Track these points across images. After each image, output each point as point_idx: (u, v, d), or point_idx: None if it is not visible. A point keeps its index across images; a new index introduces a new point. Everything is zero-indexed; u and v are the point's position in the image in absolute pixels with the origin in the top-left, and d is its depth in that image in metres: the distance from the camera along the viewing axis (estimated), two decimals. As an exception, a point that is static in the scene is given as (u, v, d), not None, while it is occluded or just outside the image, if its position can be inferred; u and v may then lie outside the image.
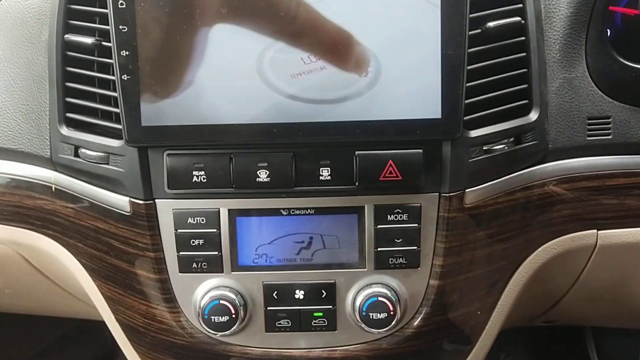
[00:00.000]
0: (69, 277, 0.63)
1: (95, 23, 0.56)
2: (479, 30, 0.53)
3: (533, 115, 0.55)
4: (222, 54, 0.51)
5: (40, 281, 0.70)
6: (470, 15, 0.51)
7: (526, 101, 0.56)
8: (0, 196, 0.60)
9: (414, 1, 0.50)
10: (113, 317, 0.61)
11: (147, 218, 0.55)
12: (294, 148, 0.53)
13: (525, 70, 0.55)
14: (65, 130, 0.57)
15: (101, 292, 0.61)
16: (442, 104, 0.51)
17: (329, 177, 0.53)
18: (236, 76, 0.51)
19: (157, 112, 0.52)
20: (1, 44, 0.60)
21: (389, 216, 0.54)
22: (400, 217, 0.55)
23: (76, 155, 0.57)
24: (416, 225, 0.55)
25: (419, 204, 0.55)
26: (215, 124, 0.51)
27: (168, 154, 0.54)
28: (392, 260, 0.55)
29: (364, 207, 0.55)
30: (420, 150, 0.52)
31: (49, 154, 0.58)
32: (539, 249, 0.60)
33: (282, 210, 0.55)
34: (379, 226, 0.55)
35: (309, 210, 0.55)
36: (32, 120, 0.59)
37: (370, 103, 0.51)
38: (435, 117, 0.51)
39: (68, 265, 0.61)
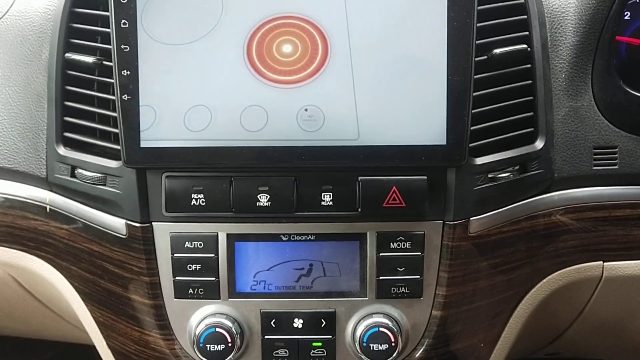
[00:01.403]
0: (61, 300, 0.61)
1: (96, 42, 0.55)
2: (485, 57, 0.53)
3: (539, 144, 0.55)
4: (224, 75, 0.50)
5: (30, 304, 0.68)
6: (477, 42, 0.51)
7: (532, 129, 0.55)
8: (-7, 216, 0.59)
9: (421, 26, 0.50)
10: (105, 342, 0.59)
11: (143, 241, 0.53)
12: (295, 172, 0.52)
13: (531, 98, 0.55)
14: (62, 150, 0.56)
15: (93, 317, 0.59)
16: (448, 130, 0.50)
17: (331, 203, 0.52)
18: (238, 98, 0.50)
19: (156, 132, 0.51)
20: (2, 63, 0.59)
21: (391, 244, 0.53)
22: (403, 245, 0.53)
23: (72, 175, 0.56)
24: (419, 253, 0.53)
25: (423, 232, 0.53)
26: (216, 146, 0.50)
27: (167, 176, 0.52)
28: (394, 290, 0.54)
29: (366, 234, 0.53)
30: (425, 177, 0.51)
31: (44, 173, 0.57)
32: (544, 280, 0.58)
33: (282, 236, 0.54)
34: (381, 254, 0.53)
35: (309, 236, 0.54)
36: (29, 139, 0.57)
37: (374, 128, 0.50)
38: (441, 143, 0.50)
39: (60, 288, 0.59)
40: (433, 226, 0.53)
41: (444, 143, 0.50)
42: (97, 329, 0.59)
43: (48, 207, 0.57)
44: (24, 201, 0.58)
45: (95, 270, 0.56)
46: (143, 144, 0.51)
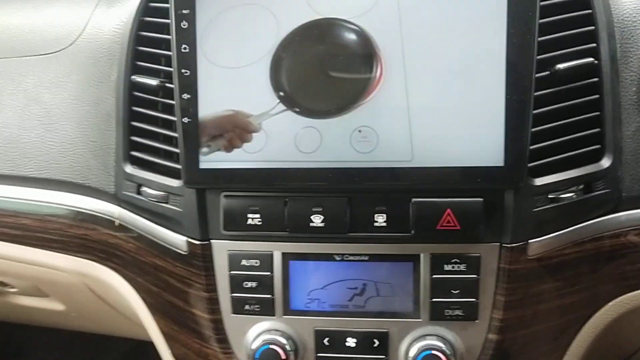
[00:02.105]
0: (130, 308, 0.65)
1: (160, 65, 0.58)
2: (548, 73, 0.51)
3: (605, 162, 0.52)
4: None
5: (102, 307, 0.72)
6: (538, 57, 0.49)
7: (598, 146, 0.52)
8: (68, 228, 0.63)
9: (478, 45, 0.48)
10: (169, 351, 0.62)
11: (202, 258, 0.56)
12: (348, 193, 0.52)
13: (598, 113, 0.52)
14: (129, 169, 0.59)
15: (158, 327, 0.62)
16: (505, 151, 0.48)
17: (384, 224, 0.52)
18: (292, 120, 0.51)
19: (215, 154, 0.52)
20: (74, 83, 0.63)
21: (446, 266, 0.52)
22: (458, 267, 0.52)
23: (138, 192, 0.58)
24: (475, 276, 0.52)
25: (479, 255, 0.52)
26: (271, 168, 0.52)
27: (225, 196, 0.54)
28: (448, 312, 0.53)
29: (419, 255, 0.53)
30: (481, 200, 0.50)
31: (113, 190, 0.60)
32: (610, 304, 0.55)
33: (335, 256, 0.54)
34: (435, 276, 0.53)
35: (362, 256, 0.54)
36: (99, 157, 0.61)
37: (428, 149, 0.50)
38: (498, 165, 0.49)
39: (128, 297, 0.63)
40: (489, 248, 0.52)
41: (502, 164, 0.49)
42: (162, 338, 0.62)
43: (117, 221, 0.61)
44: (95, 215, 0.62)
45: (159, 283, 0.59)
46: (202, 165, 0.53)
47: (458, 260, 0.52)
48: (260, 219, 0.53)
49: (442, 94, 0.49)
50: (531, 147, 0.49)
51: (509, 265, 0.52)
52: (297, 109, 0.51)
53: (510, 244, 0.51)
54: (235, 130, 0.52)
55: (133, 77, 0.58)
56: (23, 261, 0.66)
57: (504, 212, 0.51)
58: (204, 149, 0.52)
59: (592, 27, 0.51)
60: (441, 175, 0.50)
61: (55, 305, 0.77)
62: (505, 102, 0.48)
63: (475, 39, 0.48)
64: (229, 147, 0.52)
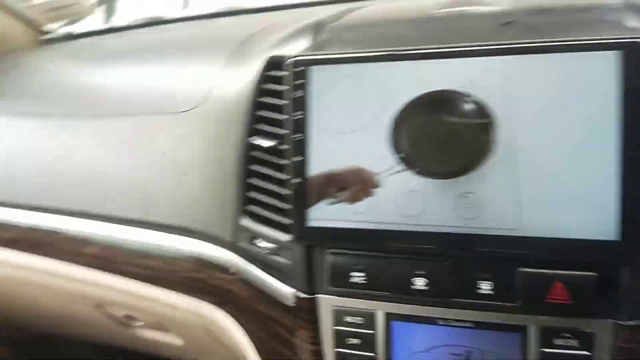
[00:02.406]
0: (240, 350, 0.69)
1: (275, 127, 0.62)
2: None
3: None
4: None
5: (218, 345, 0.78)
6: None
7: None
8: (190, 272, 0.69)
9: (590, 112, 0.47)
10: (274, 396, 0.65)
11: (308, 311, 0.58)
12: (452, 258, 0.52)
13: None
14: (244, 221, 0.63)
15: (266, 373, 0.65)
16: (622, 225, 0.46)
17: (489, 292, 0.51)
18: (397, 184, 0.53)
19: (323, 214, 0.55)
20: (202, 140, 0.69)
21: (556, 340, 0.50)
22: (570, 342, 0.50)
23: (252, 243, 0.63)
24: (588, 353, 0.50)
25: (592, 331, 0.50)
26: (376, 229, 0.53)
27: (331, 253, 0.57)
28: None
29: (527, 327, 0.51)
30: (595, 275, 0.48)
31: (231, 239, 0.65)
32: None
33: (438, 320, 0.54)
34: (544, 349, 0.51)
35: (467, 323, 0.53)
36: (219, 208, 0.66)
37: (536, 218, 0.49)
38: (613, 239, 0.46)
39: (239, 340, 0.67)
40: (604, 325, 0.49)
41: (618, 239, 0.46)
42: (272, 385, 0.65)
43: (232, 268, 0.66)
44: (213, 261, 0.67)
45: (268, 330, 0.63)
46: (310, 223, 0.56)
47: (570, 336, 0.50)
48: (364, 278, 0.55)
49: (553, 163, 0.48)
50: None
51: (625, 344, 0.49)
52: (417, 170, 0.52)
53: (627, 321, 0.49)
54: (359, 185, 0.54)
55: (251, 138, 0.63)
56: (149, 299, 0.73)
57: (620, 287, 0.49)
58: (332, 199, 0.55)
59: None
60: (550, 247, 0.48)
61: (175, 340, 0.83)
62: (621, 174, 0.46)
63: (588, 108, 0.47)
64: (353, 200, 0.54)
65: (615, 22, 0.51)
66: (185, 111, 0.71)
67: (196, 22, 1.11)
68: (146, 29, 1.12)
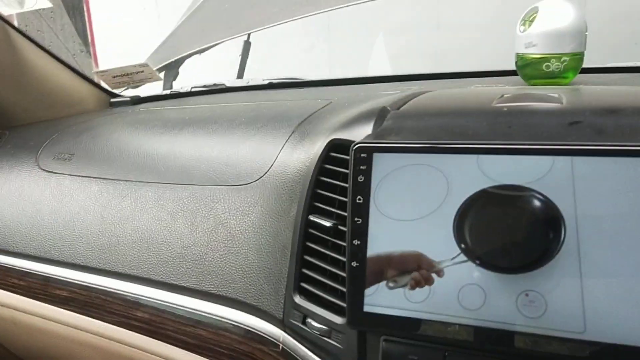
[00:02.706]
0: None
1: (334, 207, 0.63)
2: None
3: None
4: (443, 253, 0.53)
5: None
6: None
7: None
8: (237, 344, 0.69)
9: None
10: None
11: None
12: (512, 357, 0.51)
13: None
14: (297, 299, 0.63)
15: None
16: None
17: None
18: (456, 276, 0.52)
19: (379, 299, 0.55)
20: (258, 214, 0.71)
21: None
22: None
23: (304, 322, 0.63)
24: None
25: None
26: (433, 320, 0.53)
27: (384, 339, 0.56)
28: None
29: None
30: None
31: (281, 315, 0.65)
32: None
33: (496, 419, 0.52)
34: None
35: None
36: (272, 283, 0.67)
37: (603, 322, 0.47)
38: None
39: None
40: None
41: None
42: None
43: (281, 345, 0.65)
44: (262, 336, 0.67)
45: (315, 413, 0.62)
46: (366, 309, 0.55)
47: None
48: (418, 369, 0.54)
49: (617, 266, 0.47)
50: None
51: None
52: (479, 262, 0.52)
53: None
54: (421, 271, 0.54)
55: (310, 216, 0.64)
56: (195, 368, 0.73)
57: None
58: (390, 284, 0.55)
59: None
60: (617, 353, 0.47)
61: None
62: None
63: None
64: (414, 286, 0.54)
65: None
66: (245, 184, 0.74)
67: (254, 94, 1.16)
68: (207, 98, 1.18)
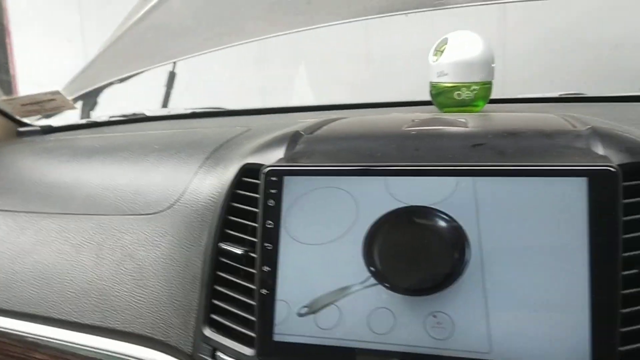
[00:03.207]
0: None
1: (247, 234, 0.61)
2: (637, 271, 0.48)
3: None
4: (352, 277, 0.52)
5: None
6: (625, 255, 0.47)
7: None
8: (144, 384, 0.64)
9: (557, 239, 0.48)
10: None
11: None
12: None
13: None
14: (207, 331, 0.60)
15: None
16: (592, 350, 0.45)
17: None
18: (365, 300, 0.51)
19: (290, 328, 0.53)
20: (168, 243, 0.67)
21: None
22: None
23: (213, 357, 0.59)
24: None
25: None
26: (343, 346, 0.51)
27: (296, 369, 0.54)
28: None
29: None
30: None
31: (190, 350, 0.62)
32: None
33: None
34: None
35: None
36: (182, 316, 0.63)
37: (507, 342, 0.48)
38: (585, 365, 0.45)
39: None
40: None
41: (590, 365, 0.45)
42: None
43: (190, 382, 0.61)
44: (171, 373, 0.63)
45: None
46: (276, 338, 0.53)
47: None
48: (330, 396, 0.52)
49: (522, 288, 0.48)
50: (621, 349, 0.46)
51: None
52: (387, 285, 0.51)
53: None
54: (331, 297, 0.52)
55: (220, 243, 0.62)
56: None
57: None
58: (301, 311, 0.53)
59: None
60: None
61: None
62: (590, 301, 0.46)
63: (556, 234, 0.48)
64: (324, 312, 0.52)
65: (585, 149, 0.53)
66: (155, 213, 0.70)
67: (175, 123, 1.13)
68: (126, 127, 1.14)
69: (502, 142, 0.55)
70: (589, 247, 0.47)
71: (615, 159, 0.50)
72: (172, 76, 1.54)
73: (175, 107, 1.27)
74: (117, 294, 0.67)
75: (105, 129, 1.15)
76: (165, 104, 1.43)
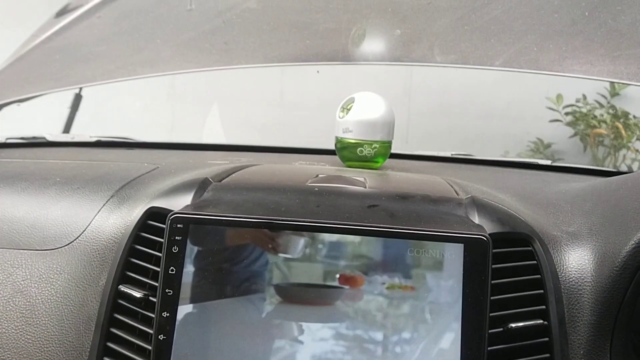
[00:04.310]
0: None
1: (147, 278, 0.62)
2: (501, 329, 0.55)
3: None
4: (255, 323, 0.55)
5: None
6: (492, 314, 0.54)
7: None
8: None
9: (434, 297, 0.53)
10: None
11: None
12: None
13: None
14: (99, 376, 0.60)
15: None
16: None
17: None
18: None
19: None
20: (63, 282, 0.66)
21: None
22: None
23: (104, 402, 0.59)
24: None
25: None
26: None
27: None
28: None
29: None
30: None
31: (80, 395, 0.61)
32: None
33: None
34: None
35: None
36: (73, 358, 0.62)
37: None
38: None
39: None
40: None
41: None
42: None
43: None
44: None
45: None
46: (171, 385, 0.54)
47: None
48: None
49: (399, 343, 0.53)
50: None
51: None
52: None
53: None
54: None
55: (120, 286, 0.62)
56: None
57: None
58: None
59: (542, 291, 0.57)
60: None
61: None
62: (460, 355, 0.52)
63: (436, 291, 0.53)
64: None
65: (464, 217, 0.59)
66: (52, 249, 0.69)
67: (79, 151, 1.11)
68: (24, 151, 1.09)
69: (393, 205, 0.60)
70: (462, 305, 0.53)
71: (488, 227, 0.58)
72: (77, 99, 1.50)
73: (79, 134, 1.23)
74: (4, 331, 0.65)
75: (0, 151, 1.09)
76: (67, 129, 1.39)
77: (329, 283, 0.56)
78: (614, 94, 2.34)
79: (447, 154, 1.14)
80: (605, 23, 1.05)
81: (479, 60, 1.10)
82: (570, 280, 0.58)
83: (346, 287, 0.55)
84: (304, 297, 0.56)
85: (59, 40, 1.37)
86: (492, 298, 0.54)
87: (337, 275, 0.56)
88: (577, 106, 2.35)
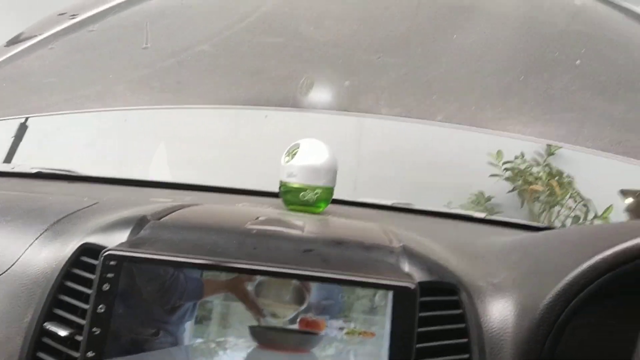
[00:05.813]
0: None
1: (76, 316, 0.60)
2: None
3: None
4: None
5: None
6: (418, 361, 0.55)
7: None
8: None
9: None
10: None
11: None
12: None
13: None
14: (15, 418, 0.57)
15: None
16: None
17: None
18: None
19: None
20: (-15, 317, 0.64)
21: None
22: None
23: None
24: None
25: None
26: None
27: None
28: None
29: None
30: None
31: None
32: None
33: None
34: None
35: None
36: (-11, 399, 0.60)
37: None
38: None
39: None
40: None
41: None
42: None
43: None
44: None
45: None
46: None
47: None
48: None
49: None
50: None
51: None
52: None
53: None
54: None
55: (46, 324, 0.60)
56: None
57: None
58: None
59: (466, 340, 0.59)
60: None
61: None
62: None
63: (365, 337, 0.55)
64: None
65: (395, 264, 0.62)
66: (-24, 282, 0.66)
67: (18, 182, 1.08)
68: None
69: (328, 250, 0.62)
70: (390, 351, 0.54)
71: (417, 276, 0.60)
72: (22, 128, 1.46)
73: (20, 164, 1.20)
74: None
75: None
76: (9, 159, 1.35)
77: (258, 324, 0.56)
78: (550, 153, 2.48)
79: (389, 203, 1.17)
80: (539, 88, 1.13)
81: (422, 114, 1.15)
82: (493, 330, 0.61)
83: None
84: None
85: (7, 68, 1.35)
86: (418, 346, 0.55)
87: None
88: (516, 163, 2.47)
